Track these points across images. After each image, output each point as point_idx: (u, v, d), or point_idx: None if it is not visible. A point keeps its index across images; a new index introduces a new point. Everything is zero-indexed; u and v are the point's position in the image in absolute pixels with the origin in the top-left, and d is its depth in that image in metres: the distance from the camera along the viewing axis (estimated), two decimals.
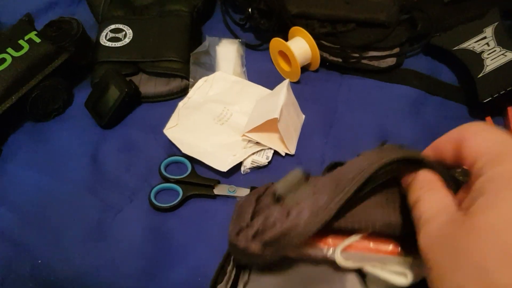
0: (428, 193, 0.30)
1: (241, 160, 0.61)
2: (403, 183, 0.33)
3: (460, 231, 0.25)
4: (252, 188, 0.58)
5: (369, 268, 0.35)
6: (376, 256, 0.35)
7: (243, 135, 0.62)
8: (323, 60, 0.70)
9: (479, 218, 0.24)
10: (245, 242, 0.35)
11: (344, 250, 0.35)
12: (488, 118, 0.63)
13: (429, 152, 0.33)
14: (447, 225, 0.26)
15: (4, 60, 0.63)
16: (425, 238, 0.27)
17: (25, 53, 0.64)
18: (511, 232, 0.23)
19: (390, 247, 0.35)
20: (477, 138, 0.28)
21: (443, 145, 0.31)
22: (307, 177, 0.35)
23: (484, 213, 0.24)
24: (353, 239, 0.35)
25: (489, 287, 0.23)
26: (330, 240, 0.36)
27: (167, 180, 0.61)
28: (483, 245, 0.23)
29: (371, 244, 0.35)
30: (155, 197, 0.60)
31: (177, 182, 0.61)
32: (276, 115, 0.58)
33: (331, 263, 0.36)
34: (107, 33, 0.72)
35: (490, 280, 0.23)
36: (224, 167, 0.60)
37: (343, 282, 0.37)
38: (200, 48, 0.72)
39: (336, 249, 0.35)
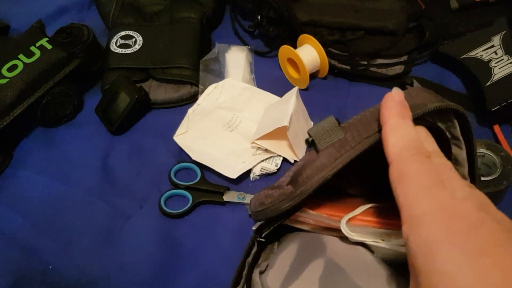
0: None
1: (251, 167, 0.62)
2: None
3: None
4: None
5: (373, 243, 0.37)
6: (380, 230, 0.37)
7: (253, 142, 0.63)
8: (332, 68, 0.71)
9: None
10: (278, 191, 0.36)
11: (351, 223, 0.37)
12: (496, 127, 0.63)
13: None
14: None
15: (16, 66, 0.64)
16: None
17: (37, 59, 0.65)
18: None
19: (393, 221, 0.36)
20: (399, 186, 0.29)
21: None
22: (339, 123, 0.36)
23: None
24: (359, 211, 0.37)
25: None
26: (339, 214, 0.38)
27: (176, 186, 0.62)
28: None
29: (375, 218, 0.37)
30: (165, 203, 0.60)
31: (186, 188, 0.61)
32: (286, 123, 0.58)
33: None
34: (117, 40, 0.73)
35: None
36: (233, 174, 0.60)
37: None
38: (209, 55, 0.73)
39: (342, 220, 0.37)
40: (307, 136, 0.40)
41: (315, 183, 0.33)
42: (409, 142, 0.30)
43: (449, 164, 0.31)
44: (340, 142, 0.34)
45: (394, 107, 0.33)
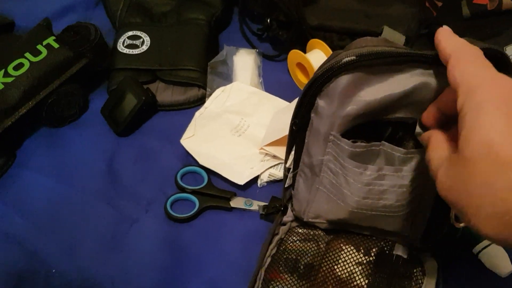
0: (433, 152, 0.37)
1: (259, 173, 0.61)
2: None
3: (457, 169, 0.32)
4: (273, 199, 0.58)
5: None
6: None
7: (261, 148, 0.62)
8: None
9: (463, 153, 0.31)
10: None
11: None
12: None
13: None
14: (448, 170, 0.33)
15: (22, 65, 0.63)
16: (439, 186, 0.34)
17: (43, 58, 0.64)
18: (491, 153, 0.29)
19: None
20: (458, 70, 0.34)
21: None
22: None
23: (468, 145, 0.31)
24: None
25: (495, 195, 0.29)
26: None
27: (183, 190, 0.61)
28: (478, 168, 0.30)
29: None
30: (171, 207, 0.59)
31: (193, 192, 0.61)
32: None
33: None
34: (124, 40, 0.72)
35: (493, 190, 0.29)
36: (241, 180, 0.60)
37: None
38: (217, 58, 0.72)
39: None
40: None
41: None
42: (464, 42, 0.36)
43: None
44: None
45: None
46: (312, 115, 0.45)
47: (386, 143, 0.44)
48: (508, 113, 0.30)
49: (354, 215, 0.49)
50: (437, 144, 0.37)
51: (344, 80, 0.41)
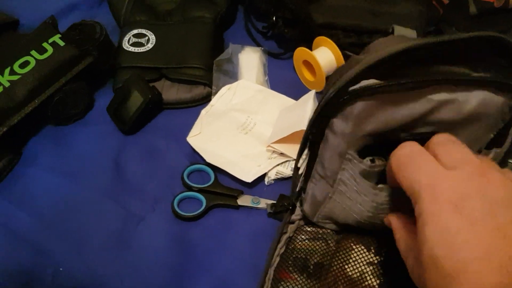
0: (397, 235, 0.39)
1: (266, 171, 0.61)
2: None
3: (420, 271, 0.32)
4: (281, 197, 0.57)
5: None
6: None
7: (268, 146, 0.62)
8: None
9: (421, 260, 0.32)
10: None
11: None
12: None
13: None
14: (414, 265, 0.35)
15: (28, 63, 0.62)
16: (409, 271, 0.36)
17: (49, 56, 0.63)
18: (436, 266, 0.30)
19: None
20: (401, 175, 0.35)
21: (388, 174, 0.40)
22: None
23: (420, 254, 0.32)
24: None
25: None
26: None
27: (190, 188, 0.61)
28: (428, 278, 0.31)
29: None
30: (178, 206, 0.59)
31: (200, 191, 0.60)
32: (304, 127, 0.57)
33: None
34: (129, 38, 0.72)
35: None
36: (248, 178, 0.59)
37: None
38: (223, 56, 0.72)
39: None
40: None
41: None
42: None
43: (451, 138, 0.36)
44: None
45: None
46: (327, 131, 0.44)
47: None
48: (447, 225, 0.30)
49: (365, 223, 0.48)
50: (399, 230, 0.38)
51: (360, 105, 0.39)
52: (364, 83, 0.38)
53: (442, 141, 0.35)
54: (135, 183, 0.62)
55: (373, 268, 0.51)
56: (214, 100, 0.68)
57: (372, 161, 0.43)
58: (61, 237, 0.57)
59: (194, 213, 0.58)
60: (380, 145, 0.43)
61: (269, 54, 0.76)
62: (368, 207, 0.46)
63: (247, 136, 0.64)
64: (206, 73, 0.70)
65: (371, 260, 0.52)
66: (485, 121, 0.41)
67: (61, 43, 0.65)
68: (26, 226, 0.58)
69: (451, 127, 0.41)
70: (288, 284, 0.51)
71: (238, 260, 0.56)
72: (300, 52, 0.70)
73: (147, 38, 0.72)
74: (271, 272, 0.51)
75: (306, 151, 0.48)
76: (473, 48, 0.39)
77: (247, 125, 0.65)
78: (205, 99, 0.70)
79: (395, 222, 0.40)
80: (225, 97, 0.68)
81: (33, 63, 0.63)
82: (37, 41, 0.64)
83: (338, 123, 0.42)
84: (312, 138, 0.46)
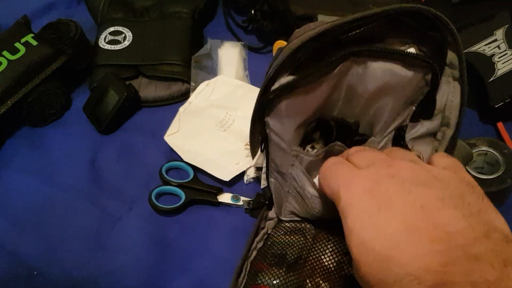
0: None
1: (244, 169, 0.59)
2: None
3: (355, 269, 0.33)
4: (258, 194, 0.56)
5: None
6: None
7: (246, 144, 0.60)
8: None
9: (353, 257, 0.33)
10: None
11: None
12: (500, 124, 0.61)
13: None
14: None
15: None
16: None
17: (21, 56, 0.62)
18: (369, 253, 0.31)
19: None
20: (324, 185, 0.38)
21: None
22: None
23: (350, 248, 0.33)
24: None
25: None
26: None
27: (168, 184, 0.59)
28: (366, 269, 0.31)
29: None
30: (156, 200, 0.58)
31: (179, 186, 0.59)
32: None
33: None
34: (106, 36, 0.70)
35: (386, 285, 0.29)
36: (227, 177, 0.58)
37: None
38: (201, 51, 0.70)
39: None
40: None
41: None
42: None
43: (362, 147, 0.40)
44: None
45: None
46: (268, 130, 0.46)
47: (339, 142, 0.45)
48: (365, 210, 0.31)
49: (323, 215, 0.48)
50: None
51: (285, 103, 0.41)
52: (282, 81, 0.40)
53: (355, 149, 0.39)
54: (111, 183, 0.61)
55: (350, 258, 0.50)
56: (193, 97, 0.67)
57: (312, 148, 0.46)
58: (36, 240, 0.56)
59: (172, 206, 0.57)
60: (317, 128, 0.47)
61: (249, 49, 0.74)
62: (315, 202, 0.46)
63: (226, 133, 0.63)
64: (184, 69, 0.68)
65: (347, 250, 0.50)
66: (398, 94, 0.43)
67: (34, 43, 0.64)
68: (0, 230, 0.57)
69: (365, 100, 0.44)
70: (265, 276, 0.49)
71: (217, 259, 0.54)
72: (279, 46, 0.68)
73: (123, 35, 0.71)
74: (247, 263, 0.50)
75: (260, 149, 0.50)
76: (403, 24, 0.40)
77: (226, 122, 0.64)
78: (184, 96, 0.69)
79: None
80: (203, 94, 0.67)
81: (5, 63, 0.62)
82: (9, 41, 0.63)
83: (272, 122, 0.44)
84: (261, 136, 0.47)
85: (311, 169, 0.46)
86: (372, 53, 0.40)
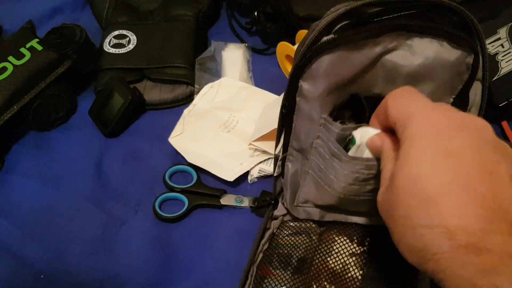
0: (383, 162, 0.37)
1: (248, 169, 0.59)
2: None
3: (389, 195, 0.33)
4: (264, 192, 0.56)
5: None
6: None
7: (250, 144, 0.61)
8: None
9: (394, 182, 0.32)
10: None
11: None
12: (504, 123, 0.60)
13: (373, 120, 0.40)
14: (385, 191, 0.34)
15: (5, 69, 0.62)
16: (377, 202, 0.35)
17: (27, 61, 0.63)
18: (416, 186, 0.30)
19: None
20: (394, 106, 0.35)
21: (379, 113, 0.38)
22: None
23: (397, 175, 0.32)
24: None
25: (414, 229, 0.29)
26: None
27: (172, 189, 0.60)
28: (402, 200, 0.31)
29: None
30: (159, 207, 0.58)
31: (182, 191, 0.59)
32: None
33: None
34: (110, 39, 0.71)
35: (413, 224, 0.29)
36: (230, 177, 0.58)
37: None
38: (205, 54, 0.71)
39: None
40: None
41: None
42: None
43: None
44: None
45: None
46: (298, 98, 0.44)
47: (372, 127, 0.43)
48: (437, 147, 0.30)
49: (341, 200, 0.47)
50: (387, 156, 0.37)
51: (325, 60, 0.40)
52: (325, 38, 0.39)
53: None
54: (117, 186, 0.61)
55: (356, 259, 0.50)
56: (197, 99, 0.67)
57: (342, 123, 0.44)
58: (42, 244, 0.56)
59: (175, 214, 0.57)
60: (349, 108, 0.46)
61: (253, 50, 0.75)
62: (341, 176, 0.44)
63: (230, 134, 0.63)
64: (188, 72, 0.69)
65: (353, 251, 0.50)
66: (441, 78, 0.42)
67: (39, 48, 0.64)
68: (7, 234, 0.57)
69: (405, 81, 0.42)
70: (271, 281, 0.49)
71: (221, 261, 0.54)
72: (282, 47, 0.69)
73: (128, 39, 0.71)
74: (253, 269, 0.50)
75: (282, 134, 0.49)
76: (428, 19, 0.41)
77: (230, 123, 0.64)
78: (188, 99, 0.69)
79: (386, 147, 0.38)
80: (207, 96, 0.67)
81: (10, 69, 0.62)
82: (14, 47, 0.64)
83: (306, 86, 0.43)
84: (286, 112, 0.46)
85: None
86: (422, 29, 0.40)
